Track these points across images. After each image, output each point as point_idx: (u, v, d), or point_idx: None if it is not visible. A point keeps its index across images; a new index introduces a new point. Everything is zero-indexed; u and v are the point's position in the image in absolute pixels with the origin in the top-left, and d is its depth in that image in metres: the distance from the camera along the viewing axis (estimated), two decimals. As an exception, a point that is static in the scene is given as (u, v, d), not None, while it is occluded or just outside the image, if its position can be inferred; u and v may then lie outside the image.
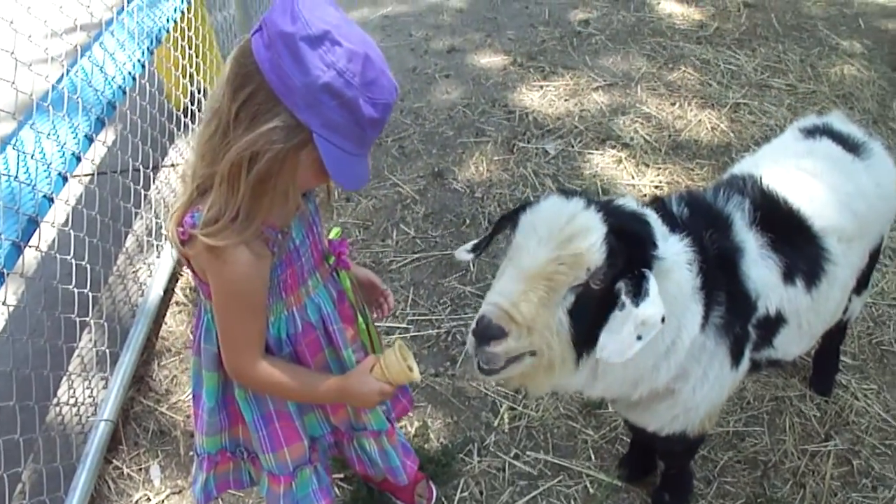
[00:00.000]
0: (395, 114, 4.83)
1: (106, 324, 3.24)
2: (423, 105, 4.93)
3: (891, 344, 3.32)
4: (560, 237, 1.69)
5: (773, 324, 2.16)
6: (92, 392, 3.07)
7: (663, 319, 1.70)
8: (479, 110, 4.87)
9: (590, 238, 1.69)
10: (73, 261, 2.94)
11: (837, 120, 2.51)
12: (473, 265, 3.70)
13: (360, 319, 2.04)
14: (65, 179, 2.67)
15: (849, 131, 2.45)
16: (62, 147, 2.68)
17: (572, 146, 4.53)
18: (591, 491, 2.78)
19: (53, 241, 3.38)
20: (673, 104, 4.90)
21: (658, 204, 2.07)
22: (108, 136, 3.89)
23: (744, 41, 5.60)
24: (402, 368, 1.86)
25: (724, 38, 5.63)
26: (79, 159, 2.77)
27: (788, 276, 2.11)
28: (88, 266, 3.03)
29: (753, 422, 3.00)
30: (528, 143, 4.57)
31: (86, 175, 3.87)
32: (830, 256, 2.18)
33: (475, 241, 2.05)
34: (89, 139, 2.85)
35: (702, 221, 2.02)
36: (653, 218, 1.88)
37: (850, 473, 2.86)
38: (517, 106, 4.89)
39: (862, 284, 2.60)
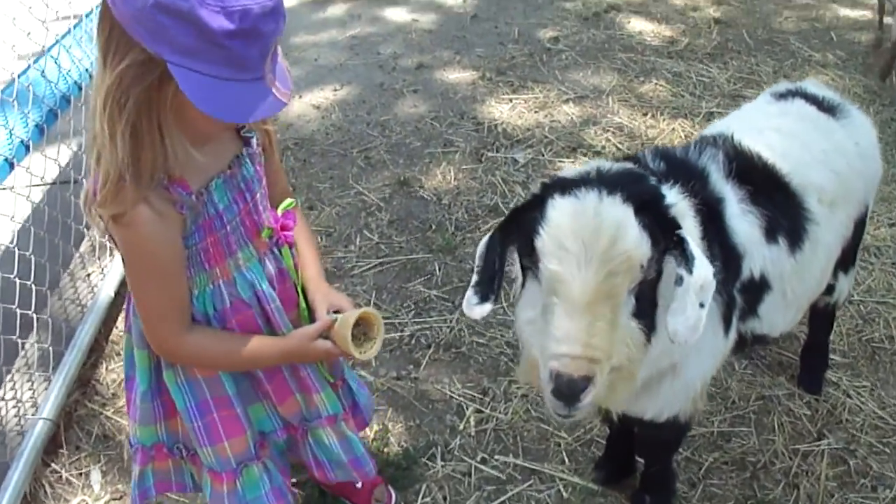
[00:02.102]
0: (360, 126, 4.69)
1: (51, 321, 3.03)
2: (390, 118, 4.78)
3: (881, 341, 3.14)
4: (600, 247, 1.48)
5: (758, 289, 1.98)
6: (34, 391, 2.89)
7: (716, 275, 1.54)
8: (447, 122, 4.72)
9: (630, 233, 1.49)
10: (33, 257, 2.90)
11: (812, 84, 2.37)
12: (439, 269, 3.50)
13: (303, 303, 1.84)
14: (11, 166, 2.59)
15: (824, 94, 2.31)
16: (10, 134, 2.60)
17: (542, 155, 4.38)
18: (565, 496, 2.55)
19: (13, 235, 3.18)
20: (645, 114, 4.78)
21: (633, 160, 1.90)
22: (72, 142, 3.70)
23: (716, 55, 5.52)
24: (345, 339, 1.69)
25: (696, 52, 5.55)
26: (27, 148, 2.69)
27: (770, 234, 1.94)
28: (48, 264, 3.01)
29: (739, 422, 2.79)
30: (497, 152, 4.42)
31: (49, 184, 3.67)
32: (812, 216, 2.02)
33: (477, 287, 1.71)
34: (40, 129, 2.78)
35: (680, 173, 1.84)
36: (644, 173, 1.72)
37: (846, 473, 2.65)
38: (486, 118, 4.75)
39: (849, 261, 2.44)
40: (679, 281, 1.52)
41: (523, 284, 1.68)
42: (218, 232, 1.64)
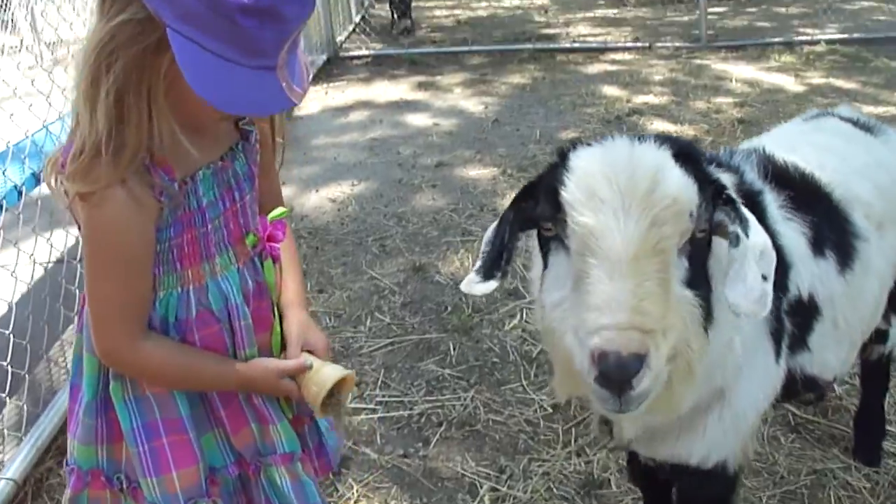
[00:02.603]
0: (377, 217, 4.57)
1: (35, 385, 2.88)
2: (407, 209, 4.67)
3: (941, 415, 2.81)
4: (641, 191, 1.26)
5: (807, 313, 1.73)
6: (2, 452, 2.69)
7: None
8: (467, 214, 4.59)
9: (673, 175, 1.28)
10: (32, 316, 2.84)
11: (845, 108, 2.19)
12: (454, 349, 3.26)
13: (278, 328, 1.61)
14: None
15: (858, 116, 2.13)
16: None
17: (565, 241, 4.20)
18: (594, 582, 2.21)
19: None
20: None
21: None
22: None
23: (741, 152, 5.40)
24: (316, 396, 1.51)
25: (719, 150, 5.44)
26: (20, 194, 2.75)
27: (817, 246, 1.71)
28: (48, 326, 2.94)
29: (790, 498, 2.45)
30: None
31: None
32: (860, 232, 1.80)
33: (481, 268, 1.49)
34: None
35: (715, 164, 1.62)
36: None
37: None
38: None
39: (904, 304, 2.18)
40: (735, 241, 1.28)
41: (546, 266, 1.43)
42: (197, 229, 1.44)
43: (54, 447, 2.65)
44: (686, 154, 1.34)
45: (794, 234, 1.67)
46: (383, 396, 2.98)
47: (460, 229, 4.40)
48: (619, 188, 1.26)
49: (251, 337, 1.53)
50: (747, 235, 1.28)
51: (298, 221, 4.52)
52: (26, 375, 2.76)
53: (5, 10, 10.02)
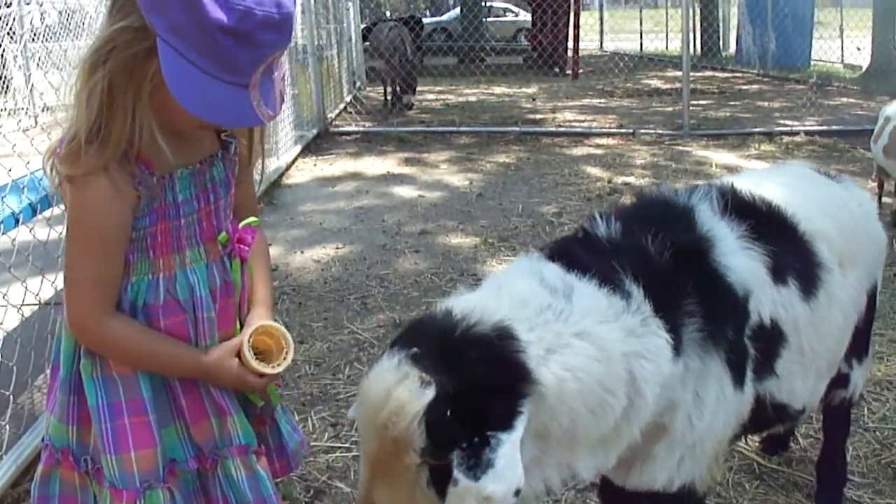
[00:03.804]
0: (359, 277, 4.62)
1: (22, 409, 2.88)
2: (390, 272, 4.73)
3: (904, 466, 2.83)
4: (378, 421, 1.41)
5: (771, 339, 1.78)
6: None
7: (518, 493, 1.38)
8: (447, 278, 4.65)
9: (404, 418, 1.38)
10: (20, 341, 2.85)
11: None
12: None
13: (238, 327, 1.69)
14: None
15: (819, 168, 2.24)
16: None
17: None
18: None
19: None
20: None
21: (581, 235, 1.78)
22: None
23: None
24: (245, 355, 1.59)
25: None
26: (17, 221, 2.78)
27: (778, 274, 1.77)
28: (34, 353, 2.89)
29: (756, 546, 2.45)
30: (498, 302, 4.30)
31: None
32: (823, 262, 1.86)
33: None
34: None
35: (645, 229, 1.70)
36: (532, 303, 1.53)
37: None
38: (487, 276, 4.68)
39: (862, 348, 2.24)
40: (454, 483, 1.37)
41: None
42: (171, 221, 1.55)
43: (33, 470, 2.62)
44: (464, 392, 1.39)
45: (752, 263, 1.73)
46: (358, 437, 2.98)
47: (440, 291, 4.45)
48: (371, 409, 1.42)
49: (213, 329, 1.61)
50: (475, 479, 1.35)
51: (283, 279, 4.57)
52: (10, 397, 2.76)
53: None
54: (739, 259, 1.73)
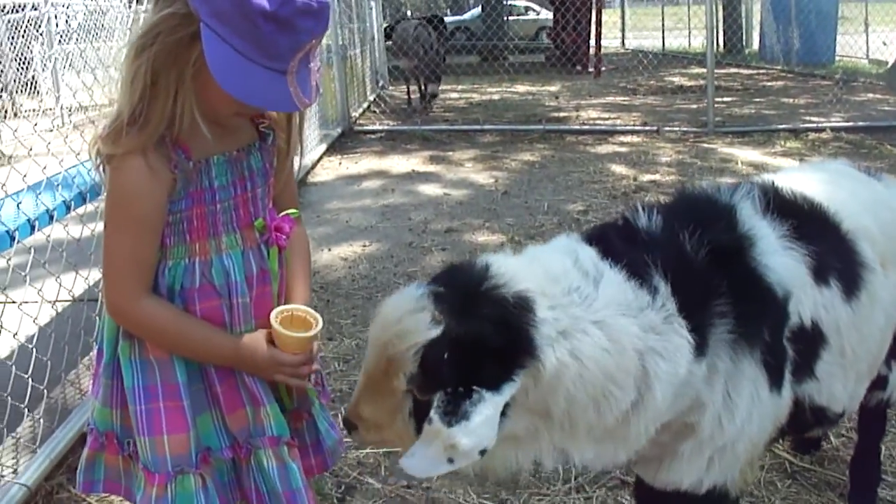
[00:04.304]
0: (387, 275, 4.64)
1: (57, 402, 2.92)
2: (417, 269, 4.74)
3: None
4: (384, 338, 1.51)
5: (812, 341, 1.77)
6: (17, 460, 2.72)
7: (483, 453, 1.44)
8: (475, 275, 4.65)
9: (404, 344, 1.46)
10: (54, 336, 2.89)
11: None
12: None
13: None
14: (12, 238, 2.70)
15: (859, 165, 2.22)
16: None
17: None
18: None
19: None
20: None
21: (622, 223, 1.79)
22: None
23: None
24: (282, 334, 1.60)
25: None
26: (33, 228, 2.82)
27: (820, 274, 1.76)
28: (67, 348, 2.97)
29: (790, 546, 2.44)
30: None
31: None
32: (866, 261, 1.84)
33: None
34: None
35: (684, 225, 1.70)
36: (558, 279, 1.57)
37: None
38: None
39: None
40: (429, 421, 1.43)
41: None
42: (207, 205, 1.58)
43: (66, 464, 2.67)
44: (466, 339, 1.46)
45: (794, 263, 1.72)
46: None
47: (469, 289, 4.46)
48: (381, 328, 1.53)
49: (248, 315, 1.64)
50: (448, 426, 1.41)
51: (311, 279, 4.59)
52: (44, 391, 2.80)
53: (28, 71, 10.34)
54: (780, 259, 1.72)
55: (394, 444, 1.65)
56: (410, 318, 1.48)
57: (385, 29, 13.16)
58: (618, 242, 1.69)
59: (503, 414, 1.47)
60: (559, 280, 1.56)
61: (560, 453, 1.61)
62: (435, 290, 1.52)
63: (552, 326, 1.49)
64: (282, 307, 1.65)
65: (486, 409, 1.42)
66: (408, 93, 11.18)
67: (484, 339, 1.45)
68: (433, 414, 1.43)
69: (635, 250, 1.65)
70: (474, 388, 1.43)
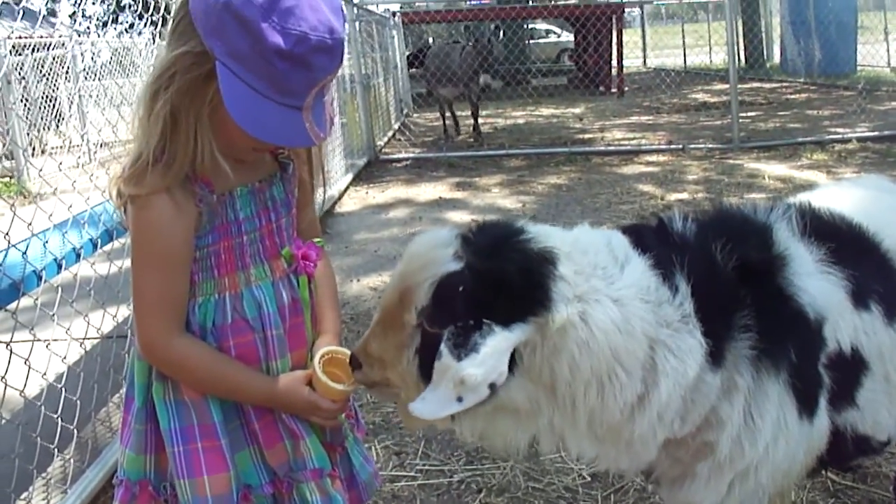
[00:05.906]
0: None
1: (87, 442, 2.91)
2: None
3: None
4: (404, 270, 1.54)
5: (852, 368, 1.72)
6: (48, 501, 2.71)
7: (493, 387, 1.41)
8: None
9: (423, 274, 1.48)
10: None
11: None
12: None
13: (311, 347, 1.70)
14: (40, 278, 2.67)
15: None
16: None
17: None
18: None
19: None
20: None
21: (656, 224, 1.77)
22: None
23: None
24: (324, 383, 1.59)
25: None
26: (60, 267, 2.80)
27: (859, 298, 1.71)
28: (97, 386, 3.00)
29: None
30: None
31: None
32: (910, 283, 1.80)
33: None
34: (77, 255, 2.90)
35: (717, 236, 1.67)
36: (586, 250, 1.56)
37: None
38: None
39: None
40: (439, 356, 1.42)
41: None
42: (233, 238, 1.58)
43: (97, 502, 2.68)
44: (486, 274, 1.45)
45: (830, 287, 1.68)
46: (423, 465, 2.97)
47: (499, 316, 4.43)
48: (405, 263, 1.55)
49: (283, 347, 1.62)
50: (458, 359, 1.39)
51: (340, 308, 4.58)
52: (74, 430, 2.81)
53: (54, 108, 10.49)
54: (816, 282, 1.68)
55: (395, 393, 1.61)
56: (434, 251, 1.50)
57: (414, 53, 13.10)
58: (650, 239, 1.68)
59: (509, 370, 1.45)
60: (587, 252, 1.56)
61: (559, 439, 1.58)
62: (466, 233, 1.54)
63: (570, 288, 1.48)
64: (324, 349, 1.64)
65: (496, 342, 1.41)
66: (443, 120, 11.08)
67: (502, 278, 1.45)
68: (443, 348, 1.42)
69: (664, 249, 1.65)
70: (485, 321, 1.42)
